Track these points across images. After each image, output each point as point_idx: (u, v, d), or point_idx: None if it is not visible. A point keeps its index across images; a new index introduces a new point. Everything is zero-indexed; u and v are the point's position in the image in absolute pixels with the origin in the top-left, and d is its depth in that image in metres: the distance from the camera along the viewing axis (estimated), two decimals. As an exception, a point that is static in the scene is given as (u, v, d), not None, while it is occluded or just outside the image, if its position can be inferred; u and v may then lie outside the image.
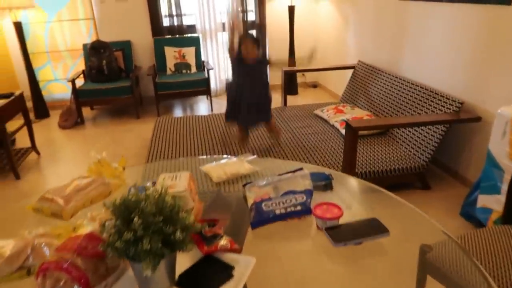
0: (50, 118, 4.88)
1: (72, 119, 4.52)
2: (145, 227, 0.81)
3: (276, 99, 5.10)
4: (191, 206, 1.11)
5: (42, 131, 4.48)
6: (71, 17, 4.95)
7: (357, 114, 3.49)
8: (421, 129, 2.86)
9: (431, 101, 2.89)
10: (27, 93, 4.91)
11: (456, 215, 2.51)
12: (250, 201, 1.22)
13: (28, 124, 3.61)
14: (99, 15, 4.99)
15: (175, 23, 5.23)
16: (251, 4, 5.36)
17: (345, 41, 4.70)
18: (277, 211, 1.19)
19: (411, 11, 3.30)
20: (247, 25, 5.37)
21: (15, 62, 4.92)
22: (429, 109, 2.88)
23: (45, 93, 5.16)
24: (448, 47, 2.89)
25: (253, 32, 2.95)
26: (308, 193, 1.24)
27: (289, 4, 5.15)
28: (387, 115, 3.37)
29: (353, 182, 1.53)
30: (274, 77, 5.45)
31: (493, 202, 2.13)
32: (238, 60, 2.90)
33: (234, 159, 1.46)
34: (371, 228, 1.11)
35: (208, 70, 4.81)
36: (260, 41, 2.98)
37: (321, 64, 5.59)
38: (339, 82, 4.92)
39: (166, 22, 5.24)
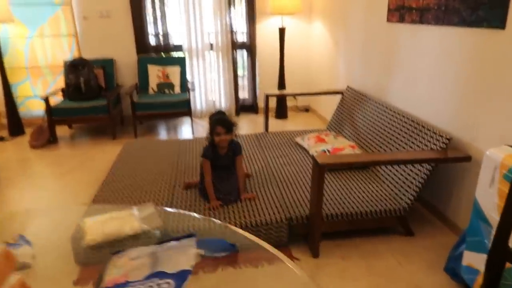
0: (25, 136, 4.64)
1: (43, 138, 4.27)
2: None
3: (260, 124, 4.81)
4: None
5: (12, 150, 4.23)
6: (53, 33, 4.77)
7: (340, 144, 3.16)
8: (405, 166, 2.52)
9: (417, 134, 2.56)
10: (2, 108, 4.72)
11: (440, 270, 2.13)
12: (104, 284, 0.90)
13: (-16, 143, 3.36)
14: (82, 31, 4.80)
15: (162, 42, 5.02)
16: (241, 25, 5.14)
17: (337, 64, 4.41)
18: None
19: (399, 35, 3.00)
20: (237, 46, 5.13)
21: (-8, 77, 4.72)
22: (414, 143, 2.54)
23: (23, 110, 4.96)
24: (437, 74, 2.57)
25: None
26: (180, 277, 0.91)
27: (280, 26, 4.90)
28: (371, 147, 3.03)
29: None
30: (262, 99, 5.20)
31: (480, 262, 1.77)
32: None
33: (123, 212, 1.15)
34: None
35: (189, 91, 4.55)
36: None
37: (312, 88, 5.30)
38: (330, 107, 4.60)
39: (152, 40, 5.04)
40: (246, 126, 4.96)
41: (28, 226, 1.29)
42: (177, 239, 0.99)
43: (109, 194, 2.60)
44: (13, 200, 3.10)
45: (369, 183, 2.68)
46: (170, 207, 2.44)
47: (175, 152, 3.38)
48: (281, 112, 5.19)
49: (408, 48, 2.90)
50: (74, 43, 4.83)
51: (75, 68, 4.47)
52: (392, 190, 2.56)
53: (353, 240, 2.41)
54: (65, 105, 4.35)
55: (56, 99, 4.59)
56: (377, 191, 2.56)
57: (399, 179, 2.54)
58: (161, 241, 0.99)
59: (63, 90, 4.64)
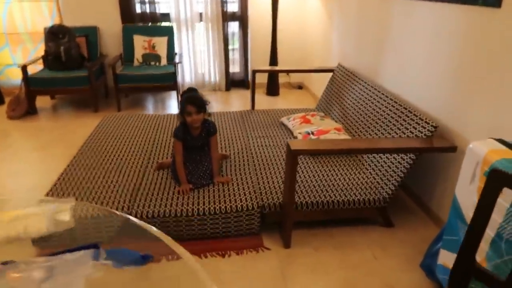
0: (4, 106, 4.46)
1: (21, 109, 4.11)
2: None
3: (247, 100, 4.63)
4: None
5: (-13, 120, 4.08)
6: (32, -3, 4.52)
7: (325, 126, 3.00)
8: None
9: (403, 119, 2.39)
10: (-20, 77, 4.52)
11: (416, 266, 2.02)
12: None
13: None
14: (63, -4, 4.55)
15: (148, 10, 4.76)
16: (232, -7, 4.87)
17: (330, 40, 4.18)
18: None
19: (393, 11, 2.78)
20: (228, 17, 4.87)
21: (-30, 42, 4.51)
22: (400, 129, 2.37)
23: (2, 78, 4.78)
24: (430, 56, 2.37)
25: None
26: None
27: (273, -4, 4.64)
28: (357, 130, 2.87)
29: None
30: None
31: (455, 263, 1.64)
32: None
33: (38, 208, 1.00)
34: None
35: (176, 64, 4.34)
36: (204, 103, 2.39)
37: (306, 64, 5.08)
38: (324, 85, 4.41)
39: (138, 8, 4.78)
40: (237, 102, 4.78)
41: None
42: (76, 249, 0.85)
43: (71, 179, 2.46)
44: (-18, 174, 2.97)
45: (349, 169, 2.54)
46: (138, 190, 2.30)
47: (154, 128, 3.23)
48: (272, 88, 5.00)
49: (401, 25, 2.69)
50: (55, 8, 4.58)
51: (55, 35, 4.24)
52: (374, 178, 2.41)
53: (329, 229, 2.29)
54: (44, 75, 4.16)
55: (38, 68, 4.40)
56: (357, 178, 2.42)
57: (382, 166, 2.40)
58: (57, 252, 0.85)
59: (43, 59, 4.43)
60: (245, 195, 2.25)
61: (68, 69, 4.29)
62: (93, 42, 4.60)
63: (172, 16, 4.75)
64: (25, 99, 4.11)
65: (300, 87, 5.34)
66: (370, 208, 2.25)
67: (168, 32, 4.70)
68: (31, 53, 4.73)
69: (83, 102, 4.68)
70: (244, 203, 2.18)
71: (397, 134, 2.39)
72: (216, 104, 4.66)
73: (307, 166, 2.56)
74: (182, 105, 2.35)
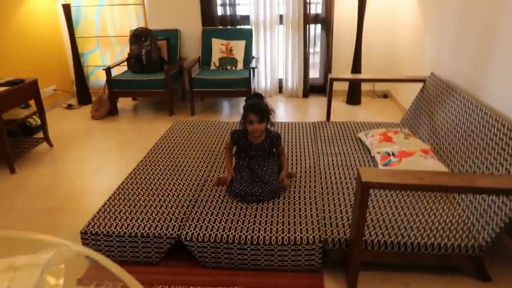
0: (90, 106, 4.73)
1: (103, 110, 4.28)
2: None
3: (325, 109, 4.34)
4: None
5: (75, 119, 4.32)
6: (122, 1, 4.70)
7: (410, 147, 2.59)
8: (490, 190, 1.90)
9: (503, 146, 1.90)
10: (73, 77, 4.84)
11: None
12: None
13: (40, 112, 3.39)
14: (149, 0, 4.66)
15: (228, 12, 4.68)
16: (316, -5, 4.57)
17: (423, 45, 3.68)
18: None
19: (506, 6, 2.26)
20: (309, 19, 4.58)
21: (67, 45, 4.84)
22: (507, 160, 1.90)
23: (93, 79, 5.06)
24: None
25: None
26: None
27: (360, -4, 4.24)
28: (450, 156, 2.41)
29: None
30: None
31: None
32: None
33: (32, 257, 0.85)
34: None
35: (251, 69, 4.18)
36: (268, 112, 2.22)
37: (392, 72, 4.59)
38: (412, 95, 3.92)
39: (220, 11, 4.73)
40: (314, 110, 4.48)
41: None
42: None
43: (127, 193, 2.40)
44: (50, 173, 3.09)
45: (437, 205, 2.11)
46: (193, 208, 2.16)
47: (221, 136, 3.10)
48: (353, 97, 4.60)
49: (516, 29, 2.17)
50: (141, 12, 4.72)
51: (138, 38, 4.36)
52: (468, 218, 1.97)
53: (405, 276, 1.91)
54: (124, 77, 4.29)
55: (122, 70, 4.57)
56: (446, 217, 1.99)
57: (480, 205, 1.94)
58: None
59: (127, 61, 4.58)
60: (306, 225, 1.97)
61: (148, 71, 4.38)
62: (174, 45, 4.65)
63: (252, 18, 4.61)
64: (107, 100, 4.28)
65: (385, 95, 4.86)
66: (460, 256, 1.82)
67: (247, 36, 4.56)
68: (118, 55, 4.94)
69: (161, 104, 4.76)
70: (304, 234, 1.90)
71: (502, 166, 1.92)
72: (291, 112, 4.42)
73: (383, 197, 2.19)
74: (245, 112, 2.18)
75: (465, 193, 2.05)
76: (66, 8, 4.39)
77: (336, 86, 4.83)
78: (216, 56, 4.54)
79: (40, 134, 3.61)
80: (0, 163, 3.14)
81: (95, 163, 3.25)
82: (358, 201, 1.65)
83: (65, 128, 4.04)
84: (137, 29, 4.40)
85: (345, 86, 4.70)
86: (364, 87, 4.79)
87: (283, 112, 4.43)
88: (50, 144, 3.54)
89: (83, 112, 4.54)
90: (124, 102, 4.86)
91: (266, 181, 2.19)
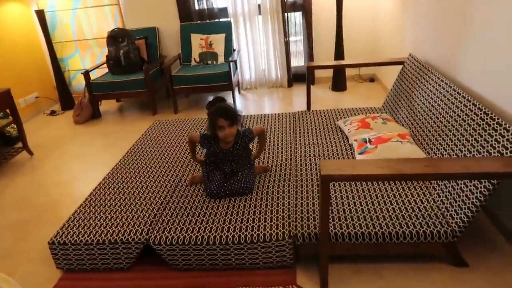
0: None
1: (85, 114, 4.24)
2: None
3: (314, 97, 4.28)
4: None
5: (57, 125, 4.28)
6: (96, 3, 4.63)
7: (388, 132, 2.53)
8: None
9: (483, 128, 1.83)
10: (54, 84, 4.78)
11: (494, 328, 1.52)
12: None
13: (17, 122, 3.35)
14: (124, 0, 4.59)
15: (206, 6, 4.60)
16: (293, -19, 4.47)
17: (402, 27, 3.59)
18: None
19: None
20: (287, 7, 4.50)
21: (45, 52, 4.78)
22: (478, 142, 1.83)
23: (75, 83, 5.01)
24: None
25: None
26: None
27: (338, -20, 4.14)
28: (426, 138, 2.34)
29: None
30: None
31: None
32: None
33: None
34: None
35: (230, 62, 4.10)
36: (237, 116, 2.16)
37: (376, 56, 4.51)
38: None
39: (196, 5, 4.64)
40: (298, 99, 4.41)
41: None
42: None
43: (100, 196, 2.36)
44: (27, 184, 3.06)
45: (412, 192, 2.05)
46: (163, 210, 2.11)
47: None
48: (338, 83, 4.52)
49: (486, 5, 2.09)
50: (117, 12, 4.65)
51: (114, 40, 4.29)
52: (440, 204, 1.91)
53: (378, 267, 1.86)
54: (103, 80, 4.24)
55: (102, 72, 4.52)
56: (416, 204, 1.94)
57: (453, 188, 1.88)
58: None
59: (107, 63, 4.53)
60: (277, 221, 1.92)
61: (128, 72, 4.33)
62: (153, 43, 4.58)
63: (230, 11, 4.52)
64: (88, 104, 4.23)
65: (372, 79, 4.77)
66: (433, 243, 1.77)
67: (226, 29, 4.49)
68: (99, 57, 4.88)
69: (145, 104, 4.71)
70: (274, 231, 1.86)
71: (474, 147, 1.85)
72: (275, 103, 4.35)
73: (351, 188, 2.13)
74: (212, 118, 2.08)
75: (428, 180, 2.00)
76: (40, 14, 4.33)
77: (321, 73, 4.79)
78: (196, 52, 4.47)
79: (21, 144, 3.57)
80: (-22, 175, 3.11)
81: (75, 170, 3.21)
82: (321, 192, 1.60)
83: (47, 135, 4.00)
84: (113, 30, 4.33)
85: (329, 73, 4.62)
86: (350, 72, 4.71)
87: (266, 104, 4.37)
88: (30, 153, 3.51)
89: (67, 117, 4.50)
90: (108, 105, 4.81)
91: (239, 178, 2.14)
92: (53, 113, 4.63)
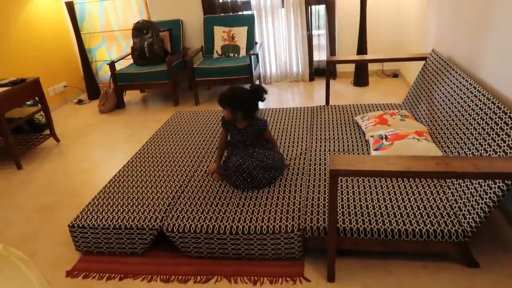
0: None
1: (110, 103, 4.36)
2: None
3: (335, 91, 4.26)
4: None
5: (83, 114, 4.43)
6: (123, -5, 4.74)
7: (406, 129, 2.50)
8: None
9: (500, 127, 1.80)
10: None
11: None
12: None
13: (45, 110, 3.50)
14: (150, -8, 4.67)
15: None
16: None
17: (426, 21, 3.51)
18: None
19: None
20: (310, 0, 4.46)
21: (74, 42, 4.94)
22: (495, 141, 1.79)
23: (102, 74, 5.16)
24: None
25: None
26: None
27: (362, -27, 4.07)
28: (444, 137, 2.31)
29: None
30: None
31: None
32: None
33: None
34: None
35: (251, 55, 4.12)
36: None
37: (401, 50, 4.42)
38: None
39: (220, -2, 4.68)
40: (319, 94, 4.39)
41: None
42: None
43: (119, 184, 2.45)
44: (54, 169, 3.19)
45: (426, 190, 2.03)
46: (178, 199, 2.18)
47: (218, 125, 3.10)
48: (360, 78, 4.47)
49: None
50: (142, 5, 4.74)
51: (139, 31, 4.39)
52: (453, 203, 1.89)
53: (387, 263, 1.86)
54: (128, 71, 4.35)
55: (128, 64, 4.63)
56: (429, 202, 1.92)
57: (467, 188, 1.85)
58: None
59: (132, 55, 4.63)
60: (287, 213, 1.95)
61: (152, 63, 4.42)
62: (176, 35, 4.65)
63: (253, 3, 4.54)
64: (113, 94, 4.36)
65: (395, 75, 4.69)
66: (443, 242, 1.76)
67: (248, 21, 4.50)
68: (124, 49, 5.00)
69: (168, 95, 4.80)
70: (283, 223, 1.89)
71: (490, 147, 1.82)
72: (296, 97, 4.35)
73: (364, 184, 2.13)
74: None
75: (437, 178, 1.97)
76: (70, 6, 4.47)
77: (343, 68, 4.74)
78: (218, 44, 4.51)
79: (48, 131, 3.72)
80: (8, 160, 3.27)
81: (97, 157, 3.33)
82: (330, 188, 1.61)
83: (73, 123, 4.15)
84: (138, 22, 4.43)
85: (352, 67, 4.58)
86: (372, 67, 4.65)
87: (287, 98, 4.37)
88: (57, 140, 3.65)
89: (93, 106, 4.65)
90: (132, 95, 4.94)
91: (261, 159, 2.20)
92: (80, 102, 4.80)
